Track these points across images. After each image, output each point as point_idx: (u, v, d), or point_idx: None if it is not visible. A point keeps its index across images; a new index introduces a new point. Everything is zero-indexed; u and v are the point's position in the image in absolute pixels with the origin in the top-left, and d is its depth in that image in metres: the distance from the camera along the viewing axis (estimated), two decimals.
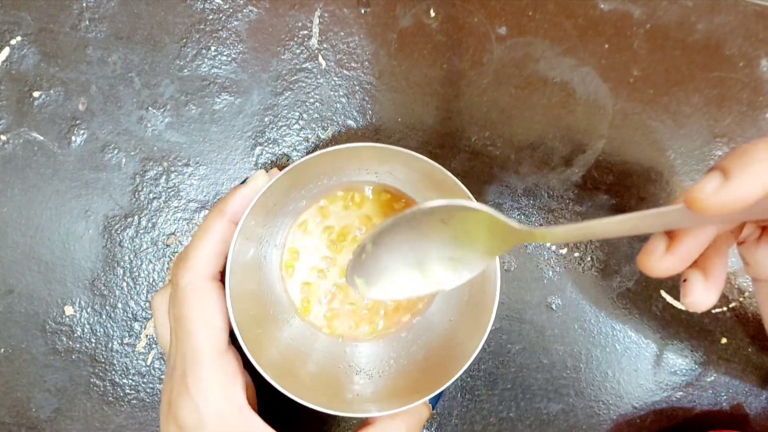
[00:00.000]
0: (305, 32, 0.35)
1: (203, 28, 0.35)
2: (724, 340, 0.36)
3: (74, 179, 0.35)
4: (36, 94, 0.35)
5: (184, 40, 0.35)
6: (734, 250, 0.27)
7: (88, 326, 0.35)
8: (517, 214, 0.36)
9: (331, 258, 0.33)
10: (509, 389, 0.36)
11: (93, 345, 0.35)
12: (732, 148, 0.37)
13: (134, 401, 0.35)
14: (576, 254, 0.36)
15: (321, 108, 0.36)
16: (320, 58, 0.36)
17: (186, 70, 0.35)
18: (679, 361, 0.36)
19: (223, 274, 0.27)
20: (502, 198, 0.36)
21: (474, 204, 0.23)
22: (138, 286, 0.35)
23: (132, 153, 0.35)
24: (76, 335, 0.35)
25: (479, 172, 0.36)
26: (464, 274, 0.26)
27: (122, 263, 0.35)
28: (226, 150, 0.35)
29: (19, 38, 0.35)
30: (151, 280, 0.35)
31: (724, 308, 0.37)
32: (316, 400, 0.27)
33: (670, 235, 0.22)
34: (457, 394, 0.36)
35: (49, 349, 0.35)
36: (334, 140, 0.36)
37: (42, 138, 0.35)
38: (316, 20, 0.35)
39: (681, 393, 0.36)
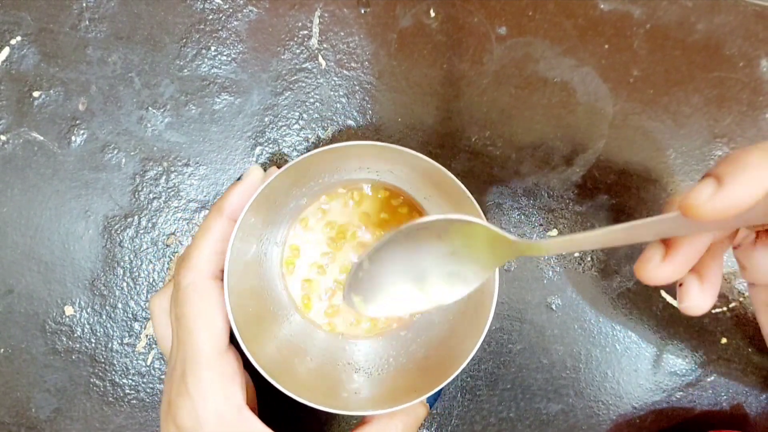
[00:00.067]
0: (305, 32, 0.35)
1: (203, 28, 0.35)
2: (724, 340, 0.36)
3: (74, 179, 0.35)
4: (36, 94, 0.35)
5: (184, 40, 0.35)
6: (731, 253, 0.27)
7: (88, 326, 0.35)
8: (517, 214, 0.36)
9: (331, 254, 0.33)
10: (509, 389, 0.36)
11: (93, 345, 0.35)
12: (732, 148, 0.37)
13: (134, 401, 0.35)
14: (576, 254, 0.36)
15: (321, 108, 0.36)
16: (320, 58, 0.36)
17: (186, 70, 0.35)
18: (679, 361, 0.36)
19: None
20: (502, 198, 0.36)
21: (469, 217, 0.23)
22: (138, 286, 0.35)
23: (132, 153, 0.35)
24: (76, 335, 0.35)
25: (479, 172, 0.36)
26: (463, 289, 0.26)
27: (122, 263, 0.35)
28: (226, 150, 0.35)
29: (19, 38, 0.35)
30: (151, 280, 0.35)
31: (724, 308, 0.37)
32: (315, 398, 0.27)
33: (667, 243, 0.22)
34: (457, 394, 0.36)
35: (49, 349, 0.35)
36: (334, 140, 0.36)
37: (42, 138, 0.35)
38: (316, 20, 0.35)
39: (681, 393, 0.36)
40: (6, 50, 0.35)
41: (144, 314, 0.35)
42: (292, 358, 0.30)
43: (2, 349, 0.35)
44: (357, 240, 0.33)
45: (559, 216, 0.36)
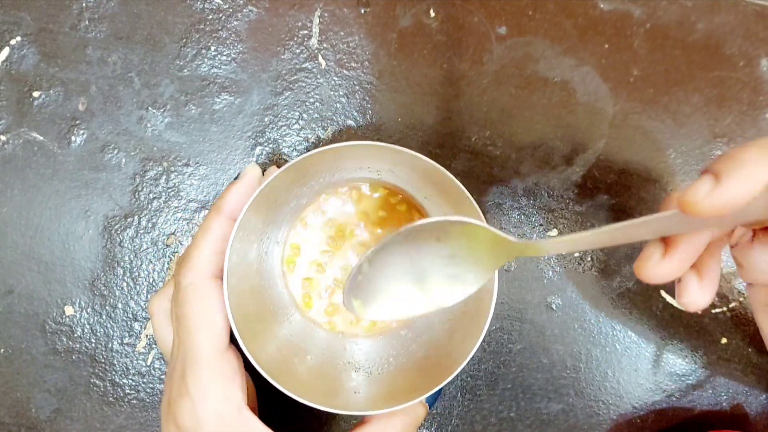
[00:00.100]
0: (305, 32, 0.35)
1: (203, 28, 0.35)
2: (724, 340, 0.36)
3: (74, 179, 0.35)
4: (36, 94, 0.35)
5: (184, 40, 0.35)
6: (729, 253, 0.27)
7: (88, 326, 0.35)
8: (517, 214, 0.36)
9: (331, 253, 0.33)
10: (509, 389, 0.36)
11: (93, 345, 0.35)
12: (732, 148, 0.37)
13: (134, 401, 0.35)
14: (576, 254, 0.36)
15: (321, 108, 0.36)
16: (320, 58, 0.36)
17: (186, 70, 0.35)
18: (679, 361, 0.36)
19: None
20: (502, 198, 0.36)
21: (468, 219, 0.23)
22: (138, 286, 0.35)
23: (132, 153, 0.35)
24: (76, 335, 0.35)
25: (479, 172, 0.36)
26: (464, 291, 0.26)
27: (122, 263, 0.35)
28: (226, 150, 0.35)
29: (18, 38, 0.35)
30: (151, 280, 0.35)
31: (724, 308, 0.37)
32: (315, 398, 0.27)
33: (666, 241, 0.22)
34: (457, 394, 0.36)
35: (49, 350, 0.35)
36: (334, 140, 0.36)
37: (42, 138, 0.35)
38: (316, 20, 0.35)
39: (681, 393, 0.36)
40: (6, 50, 0.35)
41: (144, 314, 0.35)
42: (292, 357, 0.30)
43: (2, 349, 0.35)
44: (356, 238, 0.33)
45: (559, 216, 0.36)
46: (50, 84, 0.35)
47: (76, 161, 0.35)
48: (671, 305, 0.36)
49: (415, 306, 0.26)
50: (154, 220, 0.35)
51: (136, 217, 0.35)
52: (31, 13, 0.35)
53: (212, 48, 0.35)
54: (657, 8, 0.36)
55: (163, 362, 0.36)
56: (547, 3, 0.35)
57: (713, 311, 0.37)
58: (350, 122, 0.36)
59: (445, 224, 0.24)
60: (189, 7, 0.35)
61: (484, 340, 0.27)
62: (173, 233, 0.35)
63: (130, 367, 0.35)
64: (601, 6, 0.36)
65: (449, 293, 0.26)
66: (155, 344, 0.35)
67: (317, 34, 0.36)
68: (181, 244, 0.36)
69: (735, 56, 0.36)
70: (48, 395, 0.35)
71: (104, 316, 0.35)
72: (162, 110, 0.35)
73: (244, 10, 0.35)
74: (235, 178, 0.29)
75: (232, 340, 0.27)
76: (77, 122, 0.35)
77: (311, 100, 0.36)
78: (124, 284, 0.35)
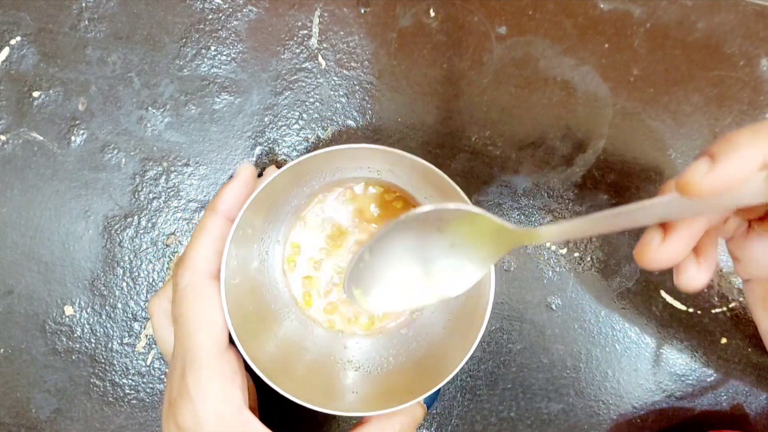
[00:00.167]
0: (305, 32, 0.35)
1: (203, 27, 0.35)
2: (724, 340, 0.36)
3: (74, 179, 0.35)
4: (36, 94, 0.35)
5: (184, 40, 0.35)
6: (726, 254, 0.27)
7: (87, 326, 0.35)
8: (517, 214, 0.36)
9: (329, 251, 0.33)
10: (509, 389, 0.36)
11: (93, 345, 0.35)
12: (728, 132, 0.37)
13: (134, 401, 0.35)
14: (576, 254, 0.36)
15: (321, 108, 0.36)
16: (320, 57, 0.35)
17: (186, 70, 0.35)
18: (679, 361, 0.36)
19: None
20: (502, 198, 0.36)
21: (468, 207, 0.23)
22: (138, 286, 0.35)
23: (132, 153, 0.35)
24: (75, 335, 0.35)
25: (479, 172, 0.36)
26: (466, 281, 0.26)
27: (122, 263, 0.35)
28: (226, 150, 0.35)
29: (18, 38, 0.35)
30: (151, 280, 0.35)
31: (724, 308, 0.37)
32: (313, 399, 0.27)
33: (665, 227, 0.23)
34: (457, 394, 0.36)
35: (48, 350, 0.35)
36: (334, 140, 0.36)
37: (42, 138, 0.35)
38: (316, 20, 0.35)
39: (681, 393, 0.36)
40: (6, 50, 0.35)
41: (144, 314, 0.35)
42: (291, 356, 0.30)
43: (2, 350, 0.35)
44: (355, 236, 0.34)
45: (559, 216, 0.36)
46: (50, 84, 0.35)
47: (75, 161, 0.35)
48: (671, 305, 0.36)
49: (415, 297, 0.26)
50: (153, 220, 0.35)
51: (135, 217, 0.35)
52: (30, 13, 0.35)
53: (212, 48, 0.35)
54: (657, 8, 0.36)
55: (162, 362, 0.36)
56: (547, 3, 0.35)
57: (713, 311, 0.37)
58: (350, 122, 0.36)
59: (445, 212, 0.23)
60: (189, 7, 0.35)
61: (483, 340, 0.27)
62: (173, 233, 0.35)
63: (129, 367, 0.35)
64: (601, 6, 0.36)
65: (450, 283, 0.26)
66: (155, 344, 0.35)
67: (317, 34, 0.36)
68: (180, 244, 0.36)
69: (735, 56, 0.36)
70: (48, 395, 0.35)
71: (104, 316, 0.35)
72: (162, 110, 0.35)
73: (244, 10, 0.35)
74: (230, 178, 0.29)
75: (232, 340, 0.27)
76: (77, 122, 0.35)
77: (311, 99, 0.36)
78: (124, 284, 0.35)
